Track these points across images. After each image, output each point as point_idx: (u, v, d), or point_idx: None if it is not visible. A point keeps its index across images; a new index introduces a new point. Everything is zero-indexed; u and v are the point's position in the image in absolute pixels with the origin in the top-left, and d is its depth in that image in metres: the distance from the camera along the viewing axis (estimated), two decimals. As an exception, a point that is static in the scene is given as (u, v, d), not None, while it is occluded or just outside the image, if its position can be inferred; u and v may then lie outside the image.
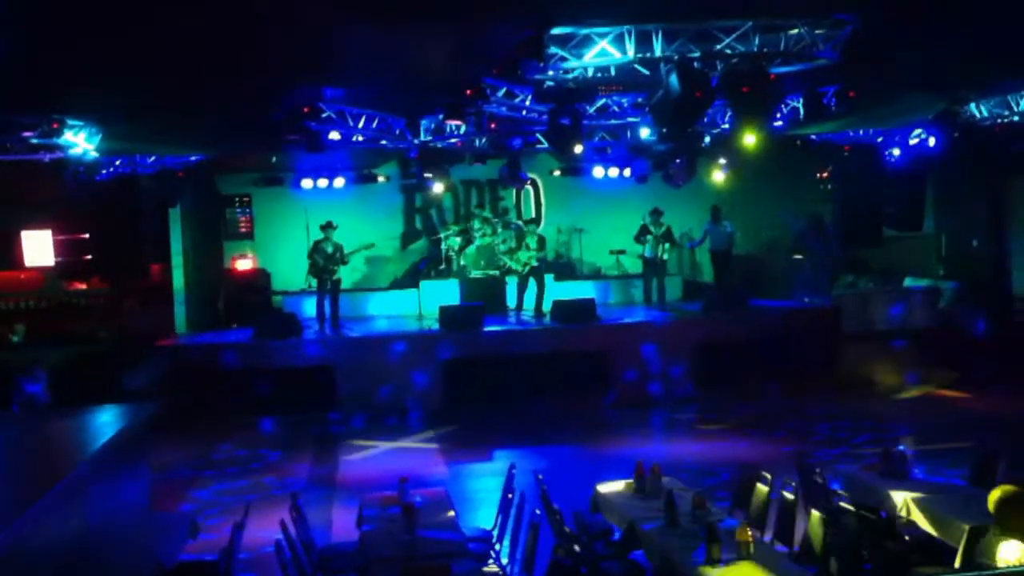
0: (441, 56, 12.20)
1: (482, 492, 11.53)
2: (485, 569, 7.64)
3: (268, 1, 9.14)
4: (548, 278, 19.44)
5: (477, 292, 19.04)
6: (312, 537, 8.39)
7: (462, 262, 19.88)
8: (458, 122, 15.04)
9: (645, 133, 16.59)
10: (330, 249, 17.57)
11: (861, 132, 18.16)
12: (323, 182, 20.63)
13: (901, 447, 8.97)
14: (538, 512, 7.63)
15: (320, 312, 17.86)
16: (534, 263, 18.65)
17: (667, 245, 19.46)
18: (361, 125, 15.91)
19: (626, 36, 11.21)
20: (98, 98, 12.66)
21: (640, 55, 11.31)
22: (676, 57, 11.15)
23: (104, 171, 16.58)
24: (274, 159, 20.09)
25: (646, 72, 11.79)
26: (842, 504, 8.43)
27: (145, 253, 17.33)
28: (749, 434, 14.35)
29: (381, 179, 21.34)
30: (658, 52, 11.23)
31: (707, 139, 17.57)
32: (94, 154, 14.58)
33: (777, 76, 11.89)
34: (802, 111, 14.94)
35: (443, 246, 20.25)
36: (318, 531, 9.53)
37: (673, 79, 10.94)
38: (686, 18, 11.07)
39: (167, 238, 18.72)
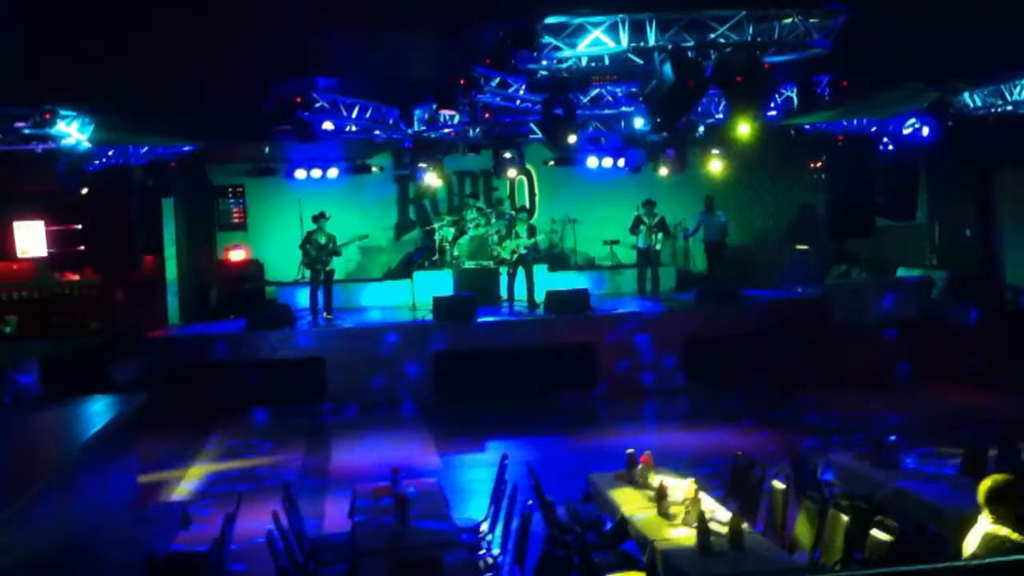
0: (434, 46, 12.18)
1: (474, 483, 11.53)
2: (477, 560, 7.65)
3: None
4: (541, 268, 19.44)
5: (470, 283, 19.01)
6: (304, 528, 8.39)
7: (455, 253, 19.86)
8: (451, 112, 15.02)
9: (639, 123, 16.54)
10: (323, 240, 17.54)
11: (854, 122, 18.16)
12: (316, 172, 20.58)
13: (892, 437, 8.98)
14: (530, 503, 7.63)
15: (313, 303, 17.84)
16: (522, 251, 18.60)
17: (660, 235, 19.51)
18: (354, 115, 15.86)
19: (620, 25, 11.18)
20: (91, 89, 12.61)
21: (634, 44, 11.29)
22: (670, 47, 11.13)
23: (96, 162, 16.55)
24: (267, 149, 20.03)
25: (640, 62, 11.77)
26: (833, 494, 8.46)
27: (137, 244, 17.27)
28: (741, 424, 14.37)
29: (375, 169, 21.30)
30: (652, 42, 11.21)
31: (701, 129, 17.55)
32: (86, 145, 14.53)
33: (771, 65, 11.88)
34: (796, 101, 14.94)
35: (436, 237, 20.23)
36: (310, 522, 9.54)
37: (667, 69, 10.92)
38: (680, 7, 11.05)
39: (159, 229, 18.66)
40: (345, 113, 15.77)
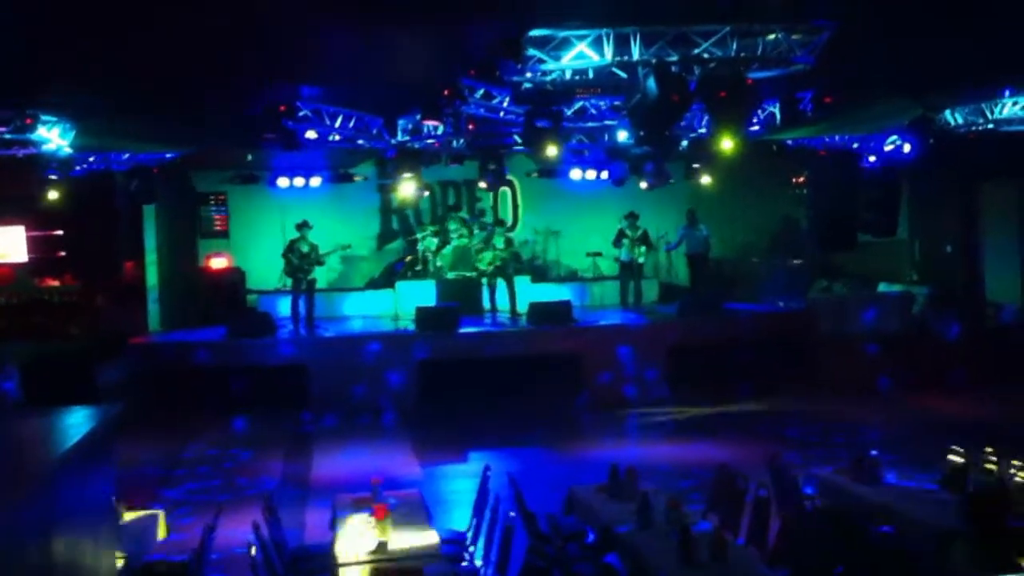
0: (419, 56, 12.18)
1: (456, 493, 11.50)
2: (459, 571, 7.62)
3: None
4: (524, 280, 19.48)
5: (453, 293, 19.02)
6: (284, 538, 8.34)
7: (438, 263, 19.85)
8: (435, 123, 15.02)
9: (622, 136, 16.63)
10: (305, 248, 17.51)
11: (837, 138, 18.26)
12: (299, 181, 20.50)
13: (873, 451, 9.01)
14: (512, 514, 7.61)
15: (295, 312, 17.78)
16: (498, 263, 18.67)
17: (643, 248, 19.61)
18: (338, 124, 15.85)
19: (604, 39, 11.23)
20: (73, 95, 12.56)
21: (618, 58, 11.34)
22: (654, 61, 11.18)
23: (78, 167, 16.46)
24: (250, 157, 19.96)
25: (624, 75, 11.82)
26: (815, 507, 8.48)
27: (119, 250, 17.20)
28: (723, 437, 14.39)
29: (358, 179, 21.24)
30: (636, 55, 11.26)
31: (684, 143, 17.61)
32: (68, 150, 14.48)
33: (754, 81, 11.94)
34: (778, 116, 15.00)
35: (419, 247, 20.22)
36: (291, 532, 9.47)
37: (651, 83, 10.96)
38: (664, 22, 11.10)
39: (141, 235, 18.57)
40: (329, 122, 15.75)
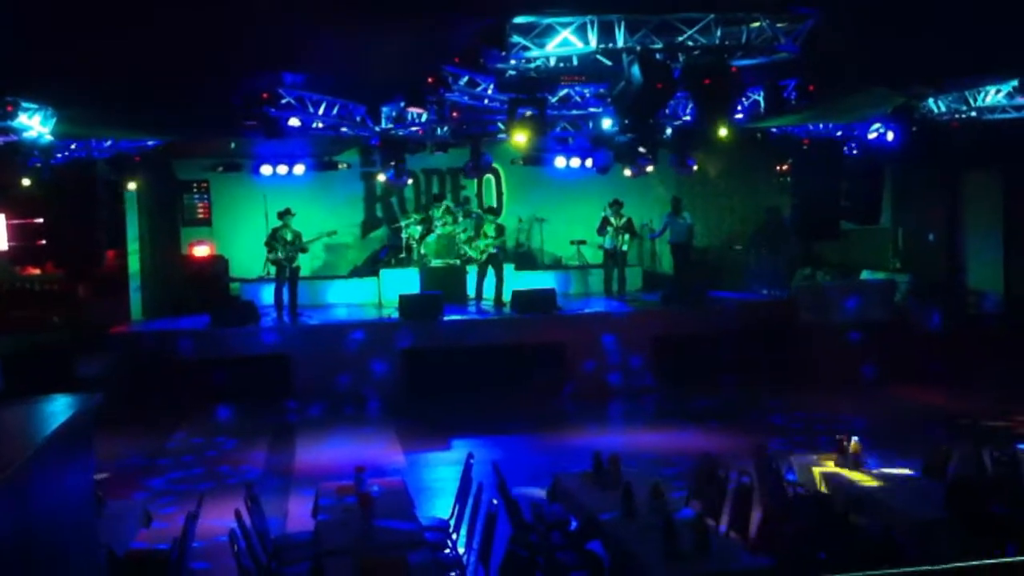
0: (403, 44, 12.12)
1: (439, 482, 11.50)
2: (442, 559, 7.62)
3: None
4: (508, 268, 19.46)
5: (437, 281, 18.98)
6: (267, 526, 8.33)
7: (422, 251, 19.81)
8: (419, 110, 14.97)
9: (607, 124, 16.61)
10: (289, 236, 17.46)
11: (820, 126, 18.29)
12: (283, 169, 20.43)
13: (855, 439, 9.05)
14: (495, 502, 7.61)
15: (278, 300, 17.73)
16: (492, 250, 18.69)
17: (627, 236, 19.62)
18: (321, 112, 15.77)
19: (588, 26, 11.21)
20: (55, 82, 12.46)
21: (602, 46, 11.32)
22: (638, 48, 11.17)
23: (59, 155, 16.34)
24: (233, 145, 19.88)
25: (608, 63, 11.80)
26: (797, 495, 8.51)
27: (100, 239, 17.07)
28: (707, 425, 14.43)
29: (342, 166, 21.20)
30: (620, 43, 11.24)
31: (668, 131, 17.61)
32: (49, 138, 14.35)
33: (738, 69, 11.94)
34: (762, 104, 15.01)
35: (404, 235, 20.17)
36: (273, 520, 9.47)
37: (635, 70, 10.96)
38: (648, 9, 11.09)
39: (123, 224, 18.44)
40: (312, 110, 15.67)
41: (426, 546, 7.23)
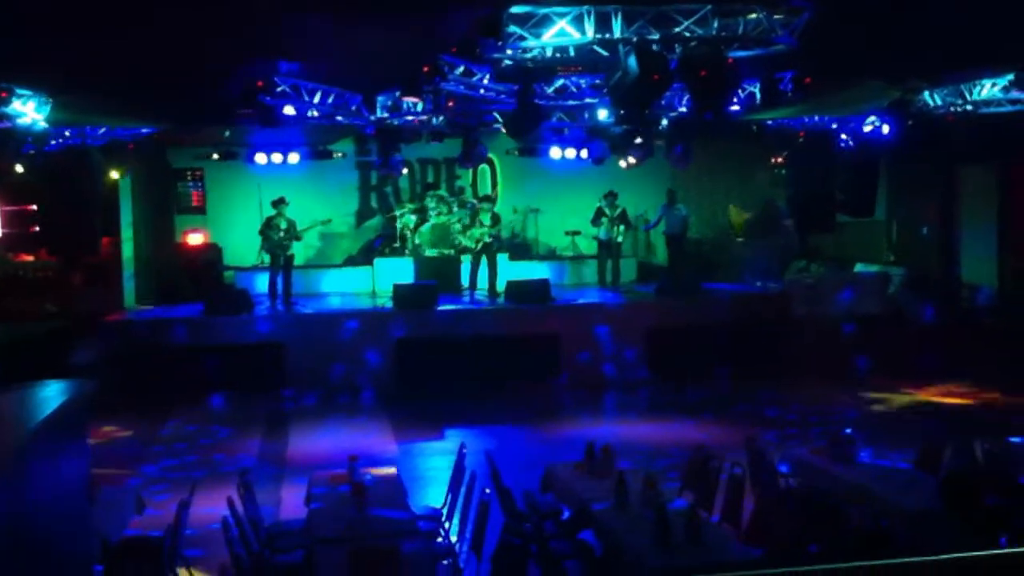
0: (399, 33, 12.09)
1: (433, 471, 11.52)
2: (435, 548, 7.63)
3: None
4: (503, 258, 19.44)
5: (431, 271, 18.96)
6: (260, 514, 8.33)
7: (417, 240, 19.78)
8: (415, 99, 14.94)
9: (603, 115, 16.58)
10: (283, 225, 17.42)
11: (816, 119, 18.28)
12: (277, 157, 20.35)
13: (848, 431, 9.07)
14: (488, 491, 7.63)
15: (272, 289, 17.71)
16: (487, 239, 18.66)
17: (622, 227, 19.62)
18: (316, 100, 15.71)
19: (585, 17, 11.18)
20: (51, 69, 12.40)
21: (599, 36, 11.28)
22: (635, 39, 11.14)
23: (53, 142, 16.27)
24: (227, 133, 19.79)
25: (605, 53, 11.76)
26: (790, 487, 8.53)
27: (94, 226, 17.00)
28: (700, 416, 14.46)
29: (337, 155, 21.13)
30: (617, 34, 11.21)
31: (664, 122, 17.59)
32: (43, 125, 14.29)
33: (735, 61, 11.92)
34: (759, 96, 15.00)
35: (398, 224, 20.15)
36: (267, 509, 9.48)
37: (631, 61, 10.93)
38: (645, 0, 11.05)
39: (117, 211, 18.39)
40: (307, 98, 15.61)
41: (419, 535, 7.24)
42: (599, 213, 19.56)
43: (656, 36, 11.27)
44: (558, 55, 12.37)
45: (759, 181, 21.75)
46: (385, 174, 18.57)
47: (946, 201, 20.09)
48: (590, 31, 11.23)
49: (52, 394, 5.95)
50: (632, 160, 19.32)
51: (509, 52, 11.98)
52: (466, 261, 19.19)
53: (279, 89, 14.91)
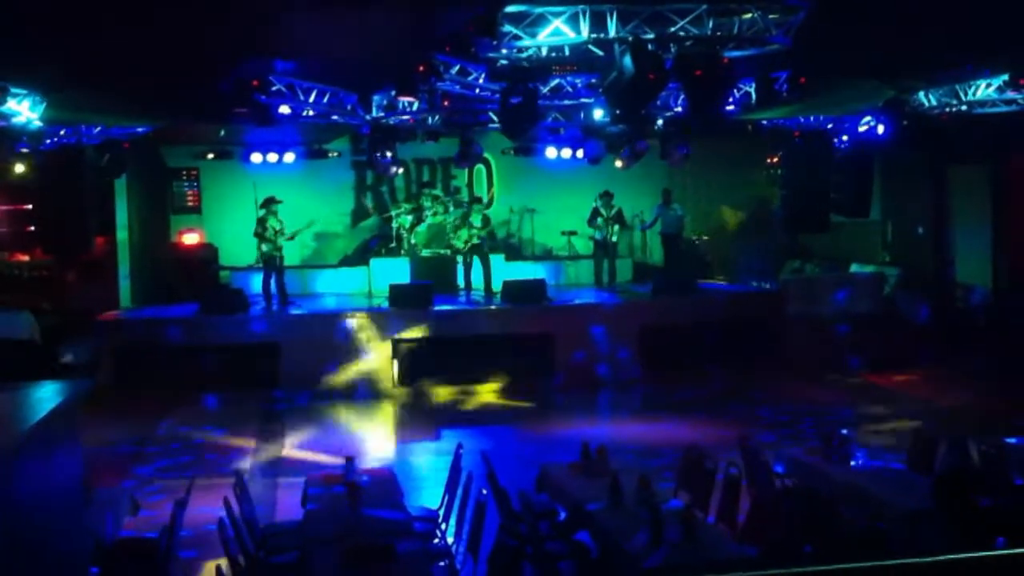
0: (394, 32, 12.09)
1: (429, 471, 11.51)
2: (430, 548, 7.62)
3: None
4: (498, 258, 19.43)
5: (427, 271, 18.96)
6: (255, 515, 8.31)
7: (413, 240, 19.77)
8: (410, 99, 14.93)
9: (598, 114, 16.58)
10: (277, 225, 17.39)
11: (811, 118, 18.30)
12: (273, 156, 20.32)
13: (843, 431, 9.08)
14: (484, 492, 7.62)
15: (266, 289, 17.68)
16: (475, 241, 18.65)
17: (617, 227, 19.63)
18: (312, 99, 15.72)
19: (580, 16, 11.19)
20: (45, 67, 12.38)
21: (594, 35, 11.30)
22: (630, 39, 11.14)
23: (48, 141, 16.24)
24: (223, 132, 19.78)
25: (600, 53, 11.78)
26: (785, 486, 8.53)
27: (89, 225, 16.98)
28: (695, 416, 14.45)
29: (332, 155, 21.10)
30: (612, 33, 11.22)
31: (660, 122, 17.60)
32: (38, 123, 14.26)
33: (730, 60, 11.93)
34: (754, 96, 15.01)
35: (394, 224, 20.13)
36: (262, 509, 9.45)
37: (627, 61, 10.93)
38: (641, 0, 11.06)
39: (112, 210, 18.37)
40: (303, 97, 15.61)
41: (415, 536, 7.23)
42: (595, 213, 19.56)
43: (651, 36, 11.29)
44: (553, 54, 12.38)
45: (754, 181, 21.78)
46: (381, 173, 18.57)
47: (941, 201, 20.12)
48: (585, 30, 11.24)
49: (46, 395, 5.94)
50: (628, 160, 19.33)
51: (504, 51, 11.98)
52: (461, 261, 19.19)
53: (274, 88, 14.91)
